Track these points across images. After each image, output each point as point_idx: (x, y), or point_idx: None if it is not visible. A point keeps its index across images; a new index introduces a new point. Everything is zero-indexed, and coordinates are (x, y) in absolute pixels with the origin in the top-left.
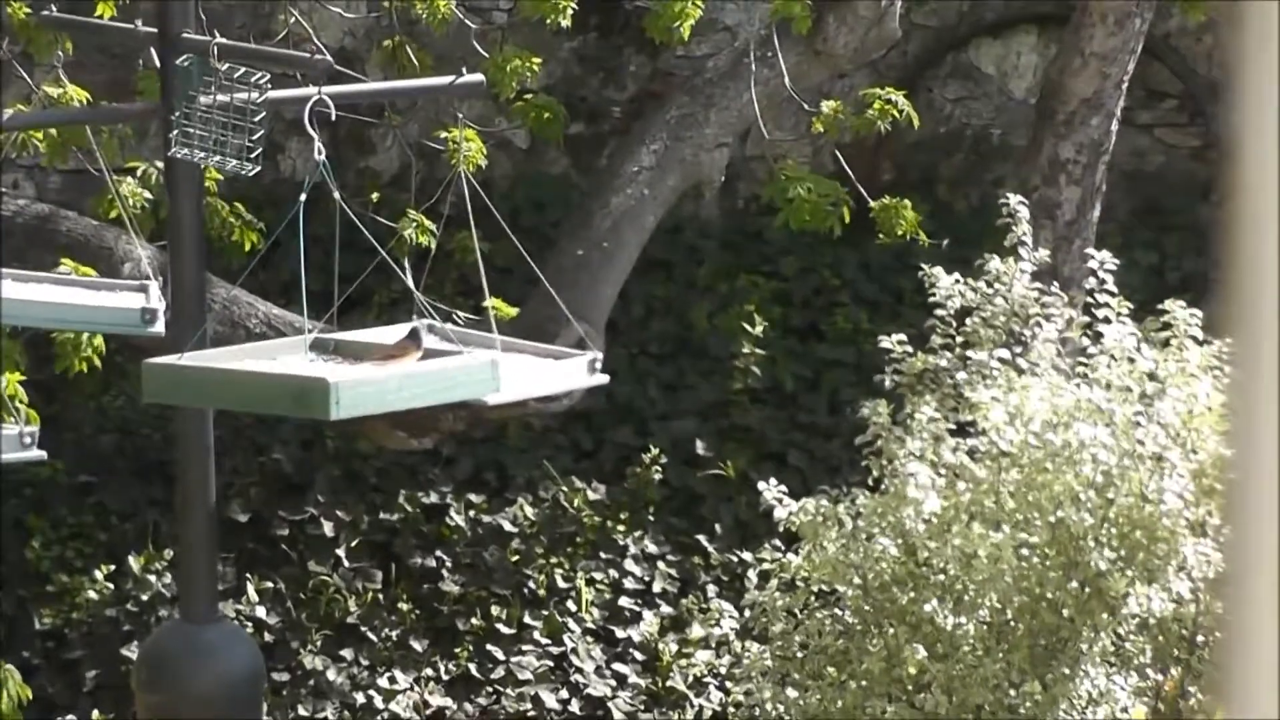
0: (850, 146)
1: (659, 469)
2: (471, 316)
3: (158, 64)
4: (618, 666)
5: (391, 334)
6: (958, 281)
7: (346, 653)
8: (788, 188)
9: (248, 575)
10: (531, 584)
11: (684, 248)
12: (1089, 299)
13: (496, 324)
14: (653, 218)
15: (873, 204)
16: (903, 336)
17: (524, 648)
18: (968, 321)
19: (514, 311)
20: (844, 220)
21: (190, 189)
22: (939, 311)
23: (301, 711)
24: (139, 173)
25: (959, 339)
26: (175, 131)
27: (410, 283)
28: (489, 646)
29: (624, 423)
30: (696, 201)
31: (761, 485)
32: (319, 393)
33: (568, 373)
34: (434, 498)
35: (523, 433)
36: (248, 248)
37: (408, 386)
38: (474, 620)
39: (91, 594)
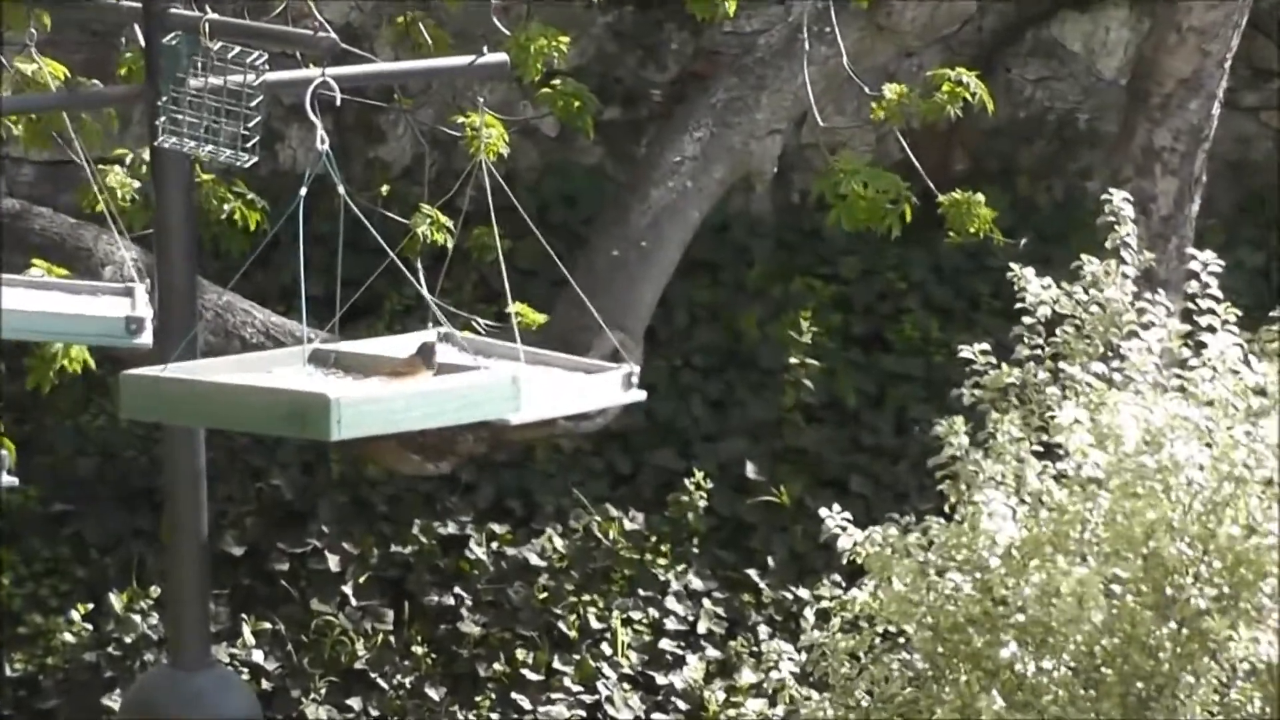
0: (918, 133)
1: (704, 496)
2: (493, 325)
3: (142, 42)
4: (658, 717)
5: (402, 345)
6: (1048, 287)
7: (354, 702)
8: (840, 182)
9: (243, 615)
10: (561, 624)
11: (732, 247)
12: (1189, 304)
13: (521, 333)
14: (697, 213)
15: (943, 198)
16: (985, 346)
17: (553, 696)
18: (1058, 331)
19: (541, 319)
20: (904, 219)
21: (179, 182)
22: (1026, 319)
23: None
24: (128, 161)
25: (1048, 350)
26: (162, 118)
27: (423, 287)
28: (514, 695)
29: (665, 444)
30: (746, 195)
31: (821, 513)
32: (318, 410)
33: (601, 388)
34: (452, 528)
35: (551, 456)
36: (252, 227)
37: (419, 405)
38: (497, 665)
39: (68, 636)
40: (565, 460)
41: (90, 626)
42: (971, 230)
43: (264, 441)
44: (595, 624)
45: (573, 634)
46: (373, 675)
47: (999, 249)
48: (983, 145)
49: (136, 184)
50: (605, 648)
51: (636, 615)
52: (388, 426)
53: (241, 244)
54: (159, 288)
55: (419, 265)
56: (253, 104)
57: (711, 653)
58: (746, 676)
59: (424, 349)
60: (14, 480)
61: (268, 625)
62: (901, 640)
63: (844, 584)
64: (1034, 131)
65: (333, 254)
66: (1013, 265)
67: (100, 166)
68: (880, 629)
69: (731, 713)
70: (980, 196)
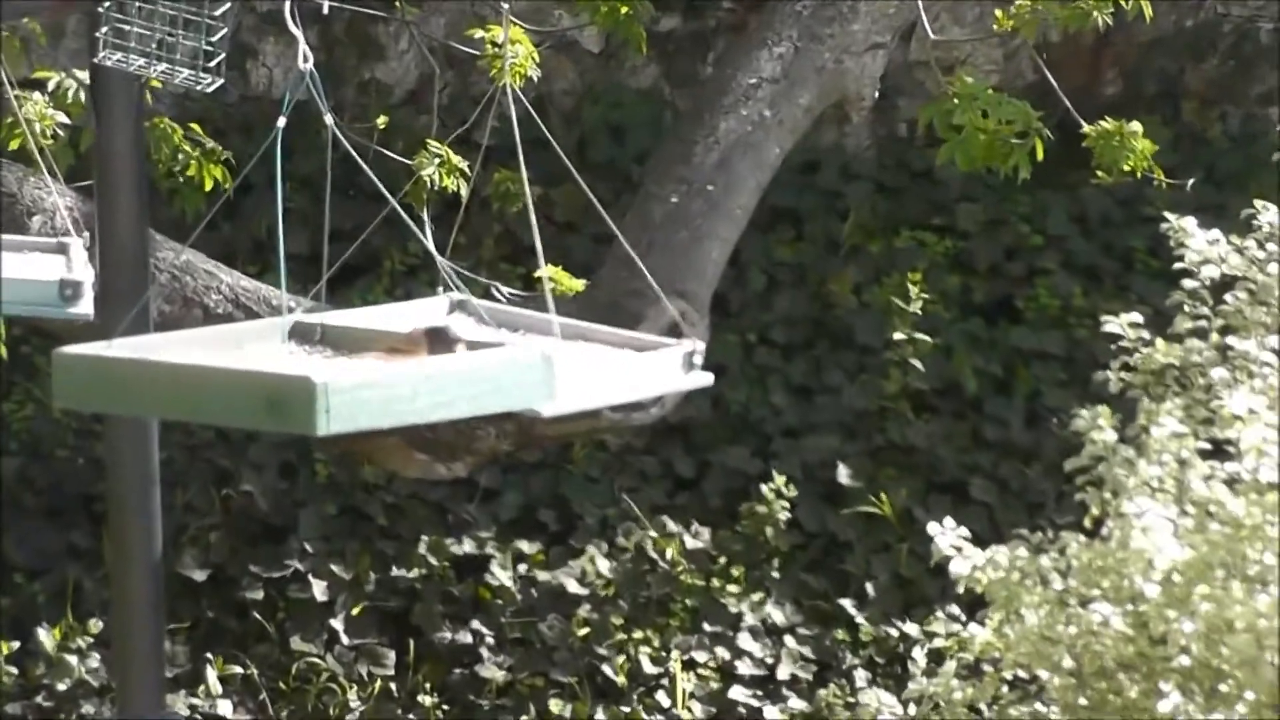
0: (1057, 48)
1: (786, 506)
2: (519, 293)
3: None
4: None
5: (406, 315)
6: (1215, 241)
7: None
8: (955, 110)
9: (207, 655)
10: (606, 668)
11: (821, 193)
12: None
13: (555, 301)
14: (778, 150)
15: (1088, 129)
16: (1138, 317)
17: None
18: (1228, 297)
19: (580, 285)
20: (1036, 157)
21: (126, 110)
22: (1188, 283)
23: None
24: (51, 86)
25: (1216, 321)
26: (105, 29)
27: (430, 244)
28: None
29: (736, 441)
30: (839, 127)
31: (932, 528)
32: (301, 397)
33: (657, 370)
34: (468, 546)
35: (593, 455)
36: (209, 187)
37: (428, 390)
38: (525, 719)
39: None
40: (611, 461)
41: (15, 670)
42: (1124, 170)
43: (232, 438)
44: (649, 667)
45: (621, 680)
46: None
47: (1158, 194)
48: (1139, 63)
49: (63, 118)
50: (662, 697)
51: (701, 656)
52: (389, 418)
53: (196, 201)
54: (101, 244)
55: (426, 215)
56: (218, 13)
57: (795, 703)
58: None
59: (434, 322)
60: None
61: (238, 669)
62: (1034, 688)
63: (961, 618)
64: (1204, 46)
65: (319, 201)
66: (1170, 215)
67: (20, 92)
68: (1007, 674)
69: None
70: (1136, 127)
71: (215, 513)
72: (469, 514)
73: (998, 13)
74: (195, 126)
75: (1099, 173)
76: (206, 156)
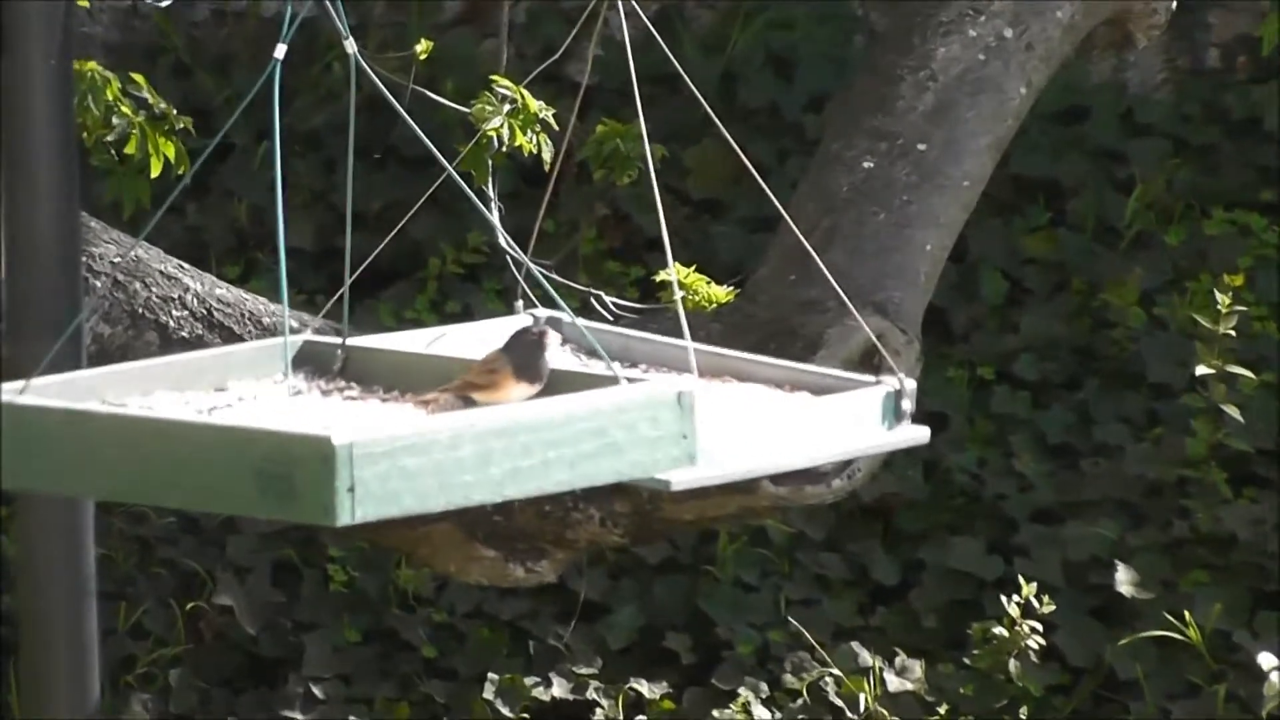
0: None
1: (1038, 628)
2: (632, 307)
3: None
4: None
5: (467, 339)
6: None
7: None
8: None
9: None
10: None
11: (1091, 154)
12: None
13: (692, 319)
14: (1024, 89)
15: None
16: None
17: None
18: None
19: (725, 295)
20: None
21: (45, 36)
22: None
23: None
24: None
25: None
26: None
27: (500, 233)
28: None
29: (962, 528)
30: (1118, 56)
31: (1264, 660)
32: (311, 467)
33: (842, 421)
34: (560, 689)
35: (748, 551)
36: (156, 171)
37: (504, 452)
38: None
39: None
40: (774, 560)
41: None
42: None
43: (204, 525)
44: None
45: None
46: None
47: None
48: None
49: None
50: None
51: None
52: (445, 497)
53: (139, 191)
54: (7, 236)
55: (493, 190)
56: None
57: None
58: None
59: (514, 346)
60: None
61: None
62: None
63: None
64: None
65: (332, 171)
66: None
67: None
68: None
69: None
70: None
71: (178, 638)
72: (561, 638)
73: None
74: (139, 79)
75: None
76: (155, 125)
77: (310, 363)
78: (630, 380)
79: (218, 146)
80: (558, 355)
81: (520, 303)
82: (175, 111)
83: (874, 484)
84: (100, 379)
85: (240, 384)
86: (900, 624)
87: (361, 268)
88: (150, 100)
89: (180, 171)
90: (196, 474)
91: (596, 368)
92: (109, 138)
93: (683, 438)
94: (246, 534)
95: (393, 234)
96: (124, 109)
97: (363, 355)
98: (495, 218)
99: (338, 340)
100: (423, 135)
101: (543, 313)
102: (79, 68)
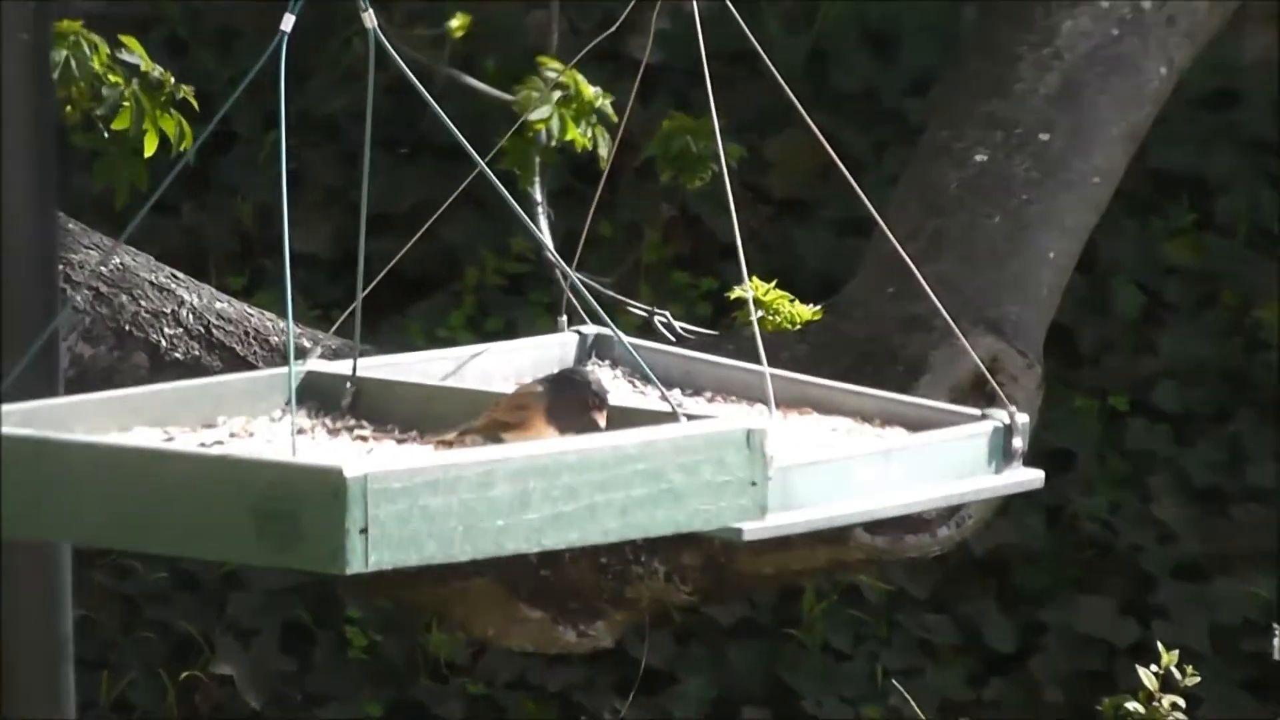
0: None
1: (1178, 704)
2: (699, 330)
3: None
4: None
5: (505, 363)
6: None
7: None
8: None
9: None
10: None
11: (1243, 145)
12: None
13: (768, 340)
14: (1164, 70)
15: None
16: None
17: None
18: None
19: (810, 313)
20: None
21: (13, 12)
22: None
23: None
24: None
25: None
26: None
27: (547, 239)
28: None
29: (1092, 585)
30: (1272, 36)
31: None
32: (319, 505)
33: (949, 459)
34: None
35: (838, 612)
36: (151, 149)
37: (547, 494)
38: None
39: None
40: (870, 621)
41: None
42: None
43: (201, 578)
44: None
45: None
46: None
47: None
48: None
49: None
50: None
51: None
52: (478, 544)
53: (132, 174)
54: None
55: (539, 191)
56: None
57: None
58: None
59: (555, 385)
60: None
61: None
62: None
63: None
64: None
65: (349, 164)
66: None
67: None
68: None
69: None
70: None
71: (169, 713)
72: (618, 714)
73: None
74: (131, 42)
75: None
76: (151, 95)
77: (315, 396)
78: (691, 415)
79: (219, 136)
80: (616, 387)
81: (564, 318)
82: (174, 80)
83: (987, 533)
84: (69, 409)
85: (239, 414)
86: (1018, 697)
87: (379, 278)
88: (144, 67)
89: (182, 148)
90: (183, 512)
91: (653, 397)
92: (98, 111)
93: (751, 484)
94: (251, 590)
95: (416, 237)
96: (114, 78)
97: (376, 388)
98: (543, 224)
99: (346, 371)
100: (450, 124)
101: (593, 330)
102: (60, 28)
